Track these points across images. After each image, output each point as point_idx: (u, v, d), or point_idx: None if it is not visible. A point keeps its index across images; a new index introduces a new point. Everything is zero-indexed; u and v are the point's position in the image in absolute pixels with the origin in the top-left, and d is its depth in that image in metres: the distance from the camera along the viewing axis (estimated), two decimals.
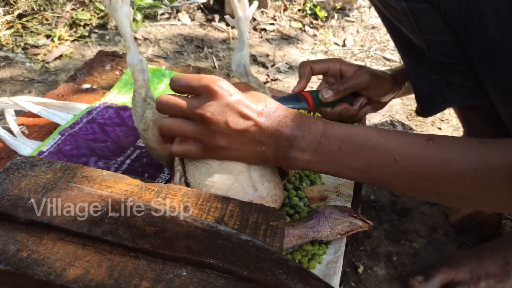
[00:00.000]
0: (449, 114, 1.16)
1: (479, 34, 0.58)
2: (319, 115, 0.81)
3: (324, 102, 0.73)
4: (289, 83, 1.28)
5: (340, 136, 0.53)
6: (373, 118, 1.15)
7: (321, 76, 0.80)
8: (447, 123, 1.14)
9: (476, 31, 0.59)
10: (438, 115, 1.15)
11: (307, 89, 0.76)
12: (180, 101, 0.54)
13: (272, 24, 1.58)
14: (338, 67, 0.75)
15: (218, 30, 1.52)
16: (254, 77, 0.70)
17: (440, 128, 1.12)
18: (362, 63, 1.40)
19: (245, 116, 0.53)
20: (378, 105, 0.81)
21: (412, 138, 0.53)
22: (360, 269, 0.74)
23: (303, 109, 0.73)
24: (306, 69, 0.75)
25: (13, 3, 1.39)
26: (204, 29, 1.52)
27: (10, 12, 1.38)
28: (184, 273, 0.41)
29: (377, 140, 0.52)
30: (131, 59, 0.64)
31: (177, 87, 0.55)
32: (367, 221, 0.61)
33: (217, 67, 1.33)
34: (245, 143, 0.54)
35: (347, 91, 0.73)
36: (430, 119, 1.15)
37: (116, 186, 0.50)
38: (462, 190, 0.50)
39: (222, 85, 0.52)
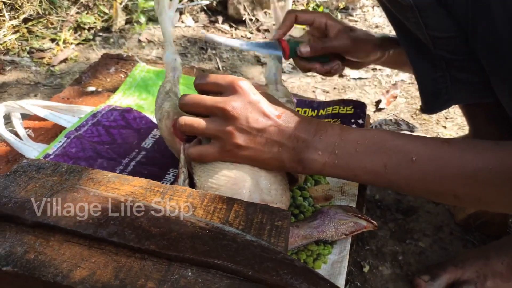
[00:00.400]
0: (454, 112, 1.16)
1: (486, 28, 0.58)
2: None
3: (300, 56, 0.75)
4: (293, 83, 1.28)
5: (356, 138, 0.54)
6: (378, 117, 1.14)
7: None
8: (452, 121, 1.13)
9: (483, 25, 0.58)
10: (443, 113, 1.15)
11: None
12: (204, 98, 0.56)
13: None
14: (324, 21, 0.75)
15: (222, 31, 1.52)
16: (283, 86, 0.74)
17: (445, 127, 1.12)
18: None
19: (265, 115, 0.54)
20: (358, 64, 0.81)
21: (428, 139, 0.54)
22: (366, 269, 0.74)
23: (278, 56, 0.75)
24: (290, 17, 0.75)
25: (18, 7, 1.40)
26: (208, 30, 1.52)
27: (15, 16, 1.40)
28: (189, 274, 0.42)
29: (393, 141, 0.53)
30: (167, 57, 0.68)
31: (201, 84, 0.58)
32: (372, 221, 0.61)
33: (221, 68, 1.33)
34: (262, 144, 0.55)
35: (324, 50, 0.75)
36: (434, 117, 1.15)
37: (121, 188, 0.50)
38: (479, 191, 0.50)
39: (246, 84, 0.55)
